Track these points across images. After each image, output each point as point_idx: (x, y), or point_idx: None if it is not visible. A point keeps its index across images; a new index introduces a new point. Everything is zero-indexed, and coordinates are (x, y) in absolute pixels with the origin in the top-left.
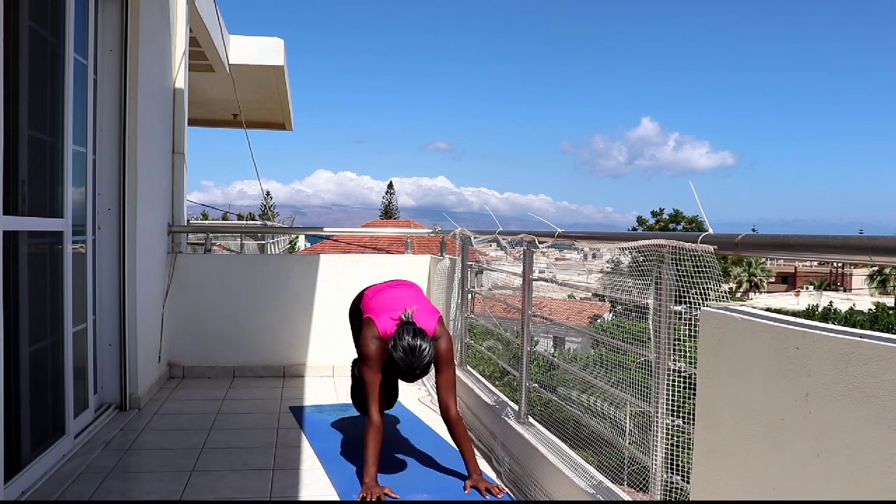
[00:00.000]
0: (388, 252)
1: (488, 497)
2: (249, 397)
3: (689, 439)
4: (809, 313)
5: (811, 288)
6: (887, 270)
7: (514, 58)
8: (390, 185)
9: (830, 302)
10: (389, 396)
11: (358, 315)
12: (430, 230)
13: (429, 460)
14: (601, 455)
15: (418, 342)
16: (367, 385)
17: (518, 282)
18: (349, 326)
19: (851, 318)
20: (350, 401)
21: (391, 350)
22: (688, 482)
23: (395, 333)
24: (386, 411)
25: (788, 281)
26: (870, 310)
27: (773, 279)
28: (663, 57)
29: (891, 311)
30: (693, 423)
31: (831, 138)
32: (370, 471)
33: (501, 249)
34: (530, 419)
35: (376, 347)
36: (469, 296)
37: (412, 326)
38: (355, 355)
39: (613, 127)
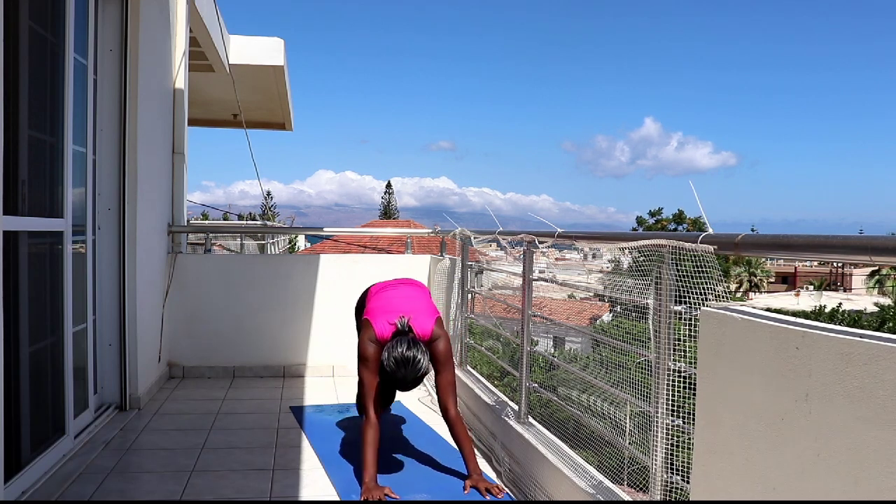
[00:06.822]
0: (388, 252)
1: (488, 497)
2: (249, 397)
3: (689, 439)
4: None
5: (811, 288)
6: (884, 271)
7: (516, 57)
8: (388, 185)
9: (823, 305)
10: (386, 396)
11: (362, 312)
12: (429, 230)
13: (429, 460)
14: (601, 455)
15: (412, 354)
16: (364, 386)
17: (518, 282)
18: (353, 324)
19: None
20: (351, 401)
21: (384, 360)
22: (688, 482)
23: (389, 343)
24: (385, 411)
25: (788, 281)
26: (874, 311)
27: (773, 279)
28: (666, 57)
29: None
30: (693, 423)
31: (833, 138)
32: (369, 471)
33: (501, 249)
34: (530, 419)
35: (373, 350)
36: (469, 296)
37: (407, 337)
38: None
39: (616, 127)
